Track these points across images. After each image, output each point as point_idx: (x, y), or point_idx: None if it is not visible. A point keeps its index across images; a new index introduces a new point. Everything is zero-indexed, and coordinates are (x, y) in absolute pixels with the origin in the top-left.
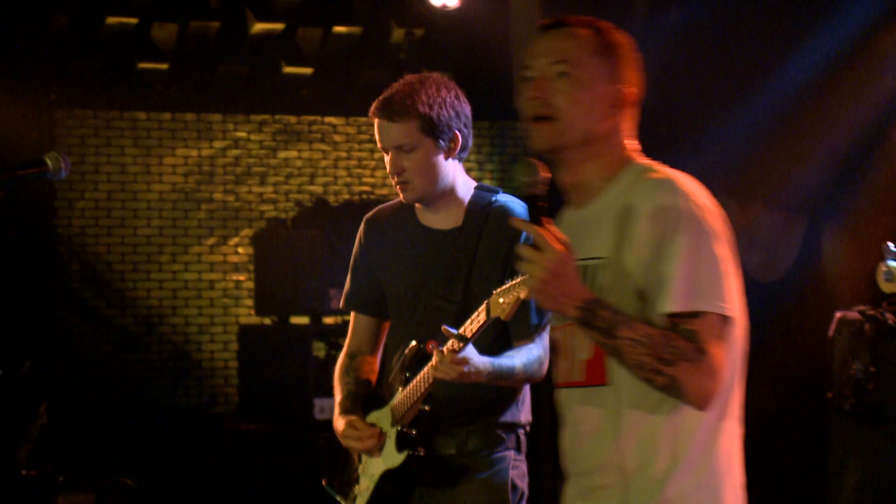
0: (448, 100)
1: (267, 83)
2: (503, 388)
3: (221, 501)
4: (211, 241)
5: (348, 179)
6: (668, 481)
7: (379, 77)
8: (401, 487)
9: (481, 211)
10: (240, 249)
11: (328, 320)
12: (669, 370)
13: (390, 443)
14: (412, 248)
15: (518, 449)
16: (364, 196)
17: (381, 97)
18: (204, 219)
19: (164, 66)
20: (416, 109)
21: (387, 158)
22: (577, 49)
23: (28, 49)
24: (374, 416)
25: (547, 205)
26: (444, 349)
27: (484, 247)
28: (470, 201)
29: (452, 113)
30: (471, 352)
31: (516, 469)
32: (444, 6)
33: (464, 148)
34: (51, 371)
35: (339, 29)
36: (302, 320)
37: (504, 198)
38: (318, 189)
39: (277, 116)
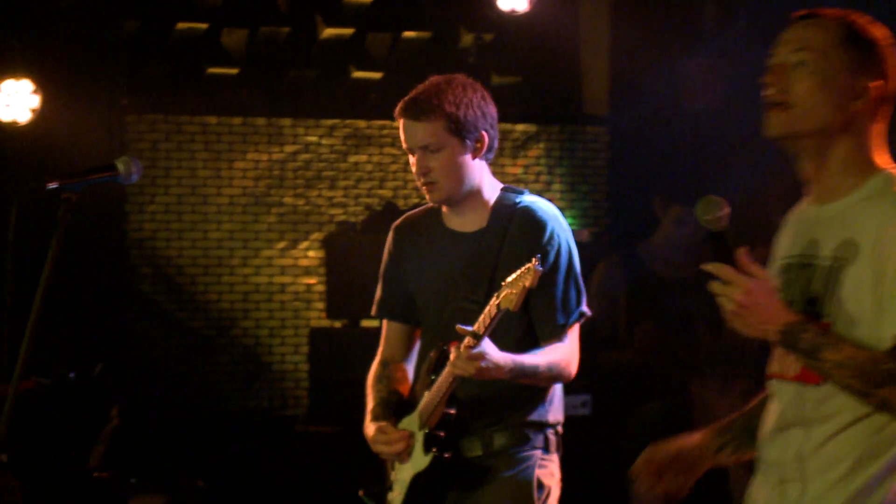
0: (474, 100)
1: (337, 88)
2: (529, 387)
3: (291, 503)
4: (281, 244)
5: (417, 183)
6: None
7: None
8: (431, 492)
9: (506, 212)
10: (310, 253)
11: None
12: (880, 392)
13: (418, 446)
14: (438, 252)
15: (546, 448)
16: None
17: (406, 97)
18: (274, 223)
19: (235, 71)
20: (442, 109)
21: (412, 159)
22: (821, 39)
23: (99, 54)
24: (405, 423)
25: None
26: (461, 346)
27: (508, 248)
28: (495, 203)
29: (479, 113)
30: (487, 347)
31: (543, 468)
32: (514, 11)
33: (490, 149)
34: (123, 374)
35: (408, 34)
36: (372, 323)
37: (529, 199)
38: (387, 193)
39: (347, 121)
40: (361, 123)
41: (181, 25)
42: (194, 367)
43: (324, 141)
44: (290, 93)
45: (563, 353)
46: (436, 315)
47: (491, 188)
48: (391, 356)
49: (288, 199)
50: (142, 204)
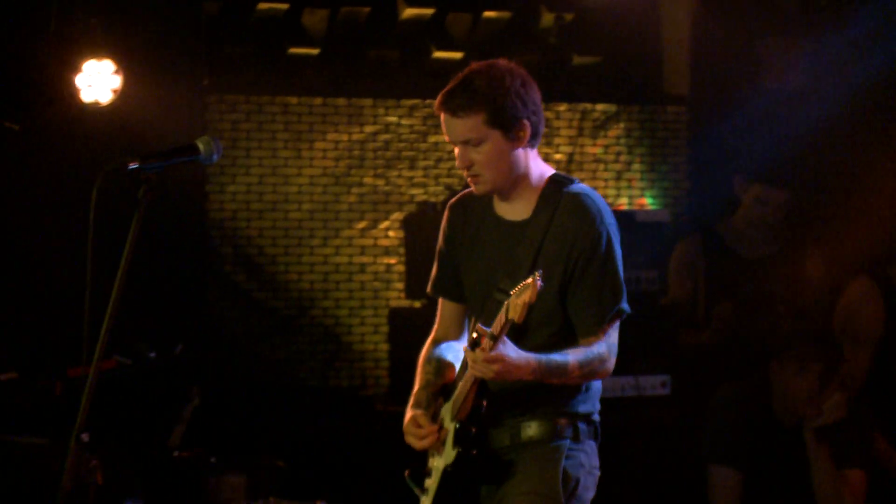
0: (513, 89)
1: (417, 68)
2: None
3: (372, 483)
4: (362, 224)
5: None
6: None
7: (528, 62)
8: (461, 483)
9: (552, 202)
10: (390, 233)
11: None
12: None
13: (449, 438)
14: (485, 238)
15: (575, 438)
16: None
17: (444, 90)
18: (355, 202)
19: (315, 52)
20: (480, 103)
21: (456, 152)
22: None
23: (181, 35)
24: (445, 408)
25: None
26: (478, 349)
27: (551, 239)
28: (542, 191)
29: (518, 102)
30: (505, 350)
31: (570, 458)
32: None
33: (535, 135)
34: (203, 354)
35: (488, 14)
36: None
37: (576, 189)
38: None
39: (427, 101)
40: None
41: (262, 6)
42: (274, 347)
43: (404, 121)
44: (371, 73)
45: (599, 350)
46: (478, 302)
47: (539, 176)
48: (444, 335)
49: (368, 180)
50: (223, 184)
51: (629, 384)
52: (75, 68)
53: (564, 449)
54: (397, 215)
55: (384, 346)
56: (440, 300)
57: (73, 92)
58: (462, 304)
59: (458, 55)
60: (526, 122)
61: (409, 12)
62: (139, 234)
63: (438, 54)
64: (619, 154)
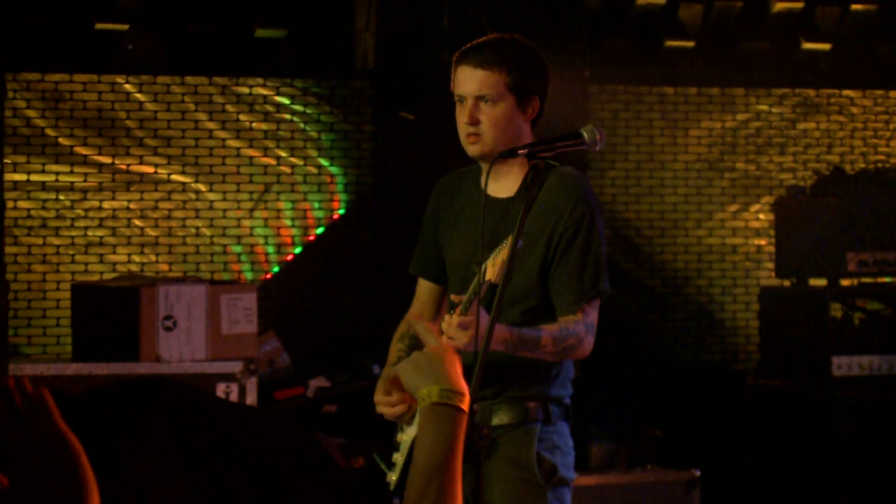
0: (538, 64)
1: (786, 58)
2: (531, 361)
3: (743, 453)
4: (733, 207)
5: (864, 149)
6: None
7: (893, 52)
8: None
9: (536, 182)
10: (760, 215)
11: (845, 282)
12: None
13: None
14: (471, 215)
15: (547, 421)
16: (879, 164)
17: (472, 44)
18: (727, 187)
19: (691, 44)
20: (508, 63)
21: (460, 108)
22: None
23: (564, 30)
24: None
25: None
26: (453, 314)
27: (534, 216)
28: (529, 170)
29: (538, 78)
30: (479, 316)
31: (543, 441)
32: None
33: (538, 114)
34: None
35: (856, 6)
36: (819, 282)
37: (565, 168)
38: (834, 158)
39: (797, 90)
40: (810, 92)
41: (641, 1)
42: (651, 322)
43: (774, 109)
44: (743, 63)
45: (576, 329)
46: (459, 277)
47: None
48: (419, 314)
49: (740, 165)
50: (603, 169)
51: None
52: None
53: (536, 432)
54: (767, 199)
55: (755, 323)
56: (419, 280)
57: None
58: (440, 285)
59: (826, 46)
60: (538, 98)
61: (779, 6)
62: (526, 213)
63: (807, 45)
64: None
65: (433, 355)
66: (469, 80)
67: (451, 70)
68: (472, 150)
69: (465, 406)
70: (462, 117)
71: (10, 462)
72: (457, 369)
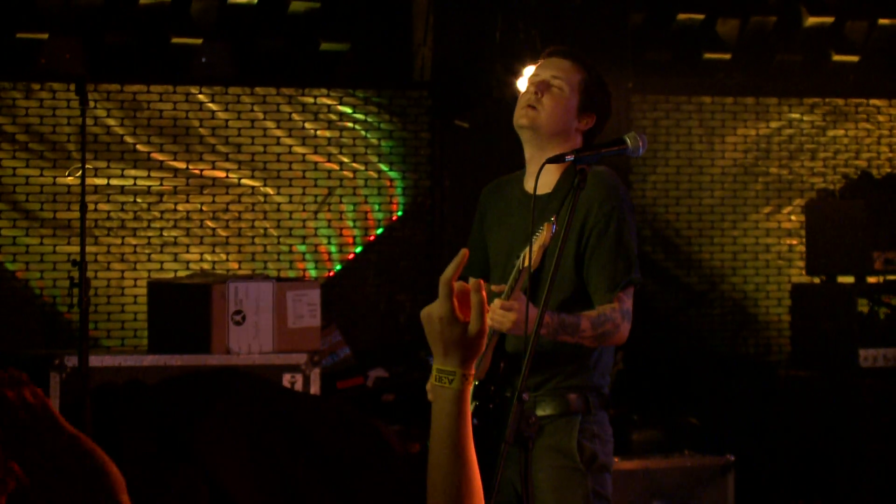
0: (605, 88)
1: (817, 70)
2: (572, 350)
3: (774, 439)
4: (767, 209)
5: (890, 155)
6: None
7: None
8: (477, 438)
9: (571, 179)
10: (792, 217)
11: (871, 279)
12: None
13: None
14: (513, 212)
15: (588, 412)
16: None
17: (560, 45)
18: (761, 190)
19: (727, 56)
20: (587, 68)
21: (529, 88)
22: None
23: (609, 43)
24: None
25: None
26: (496, 300)
27: (566, 211)
28: (566, 168)
29: (602, 98)
30: (521, 300)
31: (584, 431)
32: None
33: (590, 133)
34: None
35: (883, 21)
36: (847, 279)
37: (598, 167)
38: (862, 163)
39: (827, 99)
40: (839, 101)
41: (681, 16)
42: (689, 317)
43: (805, 117)
44: (776, 75)
45: (612, 316)
46: (499, 270)
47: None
48: None
49: (773, 170)
50: (644, 174)
51: None
52: (517, 73)
53: (577, 422)
54: (799, 201)
55: (786, 318)
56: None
57: (515, 94)
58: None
59: (854, 58)
60: (595, 116)
61: (811, 20)
62: (571, 216)
63: (837, 57)
64: None
65: (431, 322)
66: (551, 65)
67: (503, 77)
68: (523, 119)
69: (461, 384)
70: (527, 91)
71: (29, 463)
72: (456, 339)
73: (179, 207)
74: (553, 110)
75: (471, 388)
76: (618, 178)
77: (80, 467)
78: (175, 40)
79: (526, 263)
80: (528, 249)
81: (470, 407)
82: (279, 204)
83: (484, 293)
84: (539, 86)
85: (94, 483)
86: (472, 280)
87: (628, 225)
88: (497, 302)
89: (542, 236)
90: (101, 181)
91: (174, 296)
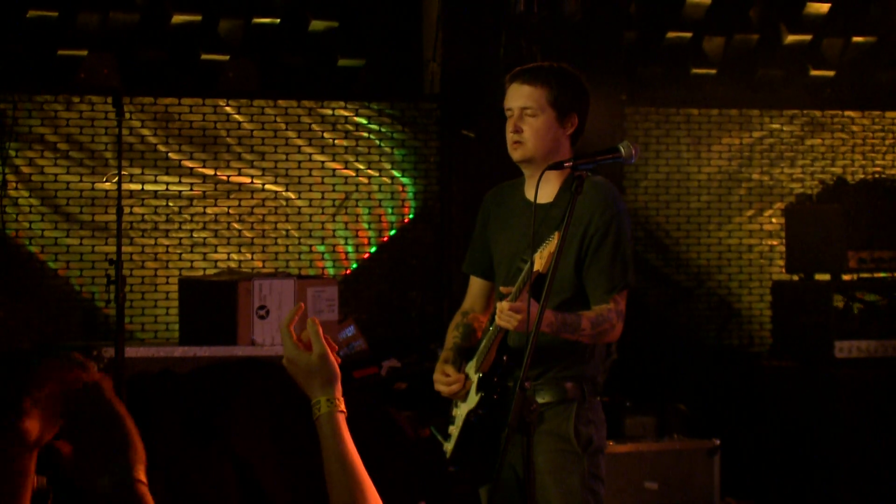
0: (577, 87)
1: (796, 83)
2: (571, 344)
3: (757, 424)
4: (750, 212)
5: (863, 162)
6: None
7: (892, 78)
8: (482, 428)
9: (580, 189)
10: (773, 220)
11: (846, 277)
12: None
13: (473, 387)
14: (515, 219)
15: (583, 399)
16: (877, 176)
17: (521, 67)
18: (744, 195)
19: (713, 71)
20: (548, 81)
21: (509, 120)
22: None
23: (604, 60)
24: (469, 365)
25: None
26: (504, 300)
27: (568, 218)
28: (566, 178)
29: (577, 98)
30: (527, 302)
31: (580, 417)
32: None
33: (578, 132)
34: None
35: (857, 38)
36: (824, 277)
37: (596, 177)
38: (837, 170)
39: (805, 111)
40: (816, 113)
41: (671, 34)
42: (678, 312)
43: (785, 127)
44: (758, 88)
45: (609, 315)
46: (504, 274)
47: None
48: (471, 307)
49: (755, 176)
50: (637, 180)
51: None
52: None
53: (574, 409)
54: (779, 205)
55: (768, 313)
56: (471, 277)
57: None
58: (489, 282)
59: (830, 73)
60: (577, 116)
61: (791, 38)
62: (570, 218)
63: (815, 72)
64: None
65: (288, 366)
66: (516, 95)
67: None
68: (515, 154)
69: (328, 408)
70: (509, 126)
71: (76, 432)
72: (310, 368)
73: (208, 211)
74: (536, 135)
75: (341, 414)
76: (615, 189)
77: (117, 437)
78: (204, 56)
79: (536, 268)
80: (535, 255)
81: (345, 426)
82: (300, 207)
83: (317, 320)
84: (516, 122)
85: (123, 453)
86: (309, 321)
87: (625, 232)
88: (505, 304)
89: (551, 244)
90: (136, 186)
91: (203, 292)
